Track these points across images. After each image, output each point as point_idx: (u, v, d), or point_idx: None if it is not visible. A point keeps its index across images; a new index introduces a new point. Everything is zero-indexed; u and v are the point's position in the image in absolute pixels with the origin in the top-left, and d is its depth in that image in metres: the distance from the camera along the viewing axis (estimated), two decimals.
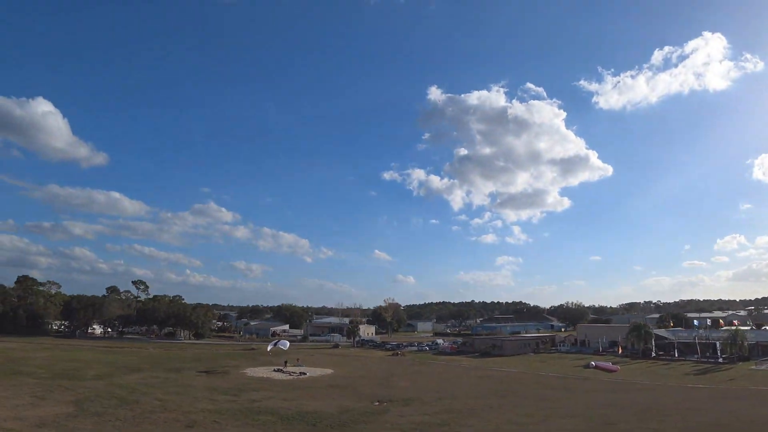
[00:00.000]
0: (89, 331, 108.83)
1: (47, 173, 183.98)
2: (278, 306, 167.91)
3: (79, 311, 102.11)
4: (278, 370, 49.27)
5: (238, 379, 43.62)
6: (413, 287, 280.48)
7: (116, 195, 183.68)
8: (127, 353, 66.44)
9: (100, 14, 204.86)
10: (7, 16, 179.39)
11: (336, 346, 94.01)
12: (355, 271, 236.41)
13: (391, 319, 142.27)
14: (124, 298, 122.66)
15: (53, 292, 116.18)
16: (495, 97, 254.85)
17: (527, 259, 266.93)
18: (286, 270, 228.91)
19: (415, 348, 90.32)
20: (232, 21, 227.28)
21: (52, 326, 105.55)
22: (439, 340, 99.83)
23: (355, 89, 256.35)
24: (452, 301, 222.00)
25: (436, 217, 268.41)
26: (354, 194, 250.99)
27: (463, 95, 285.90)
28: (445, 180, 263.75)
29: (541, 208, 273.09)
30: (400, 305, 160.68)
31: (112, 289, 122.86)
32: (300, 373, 47.94)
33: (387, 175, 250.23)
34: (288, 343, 59.42)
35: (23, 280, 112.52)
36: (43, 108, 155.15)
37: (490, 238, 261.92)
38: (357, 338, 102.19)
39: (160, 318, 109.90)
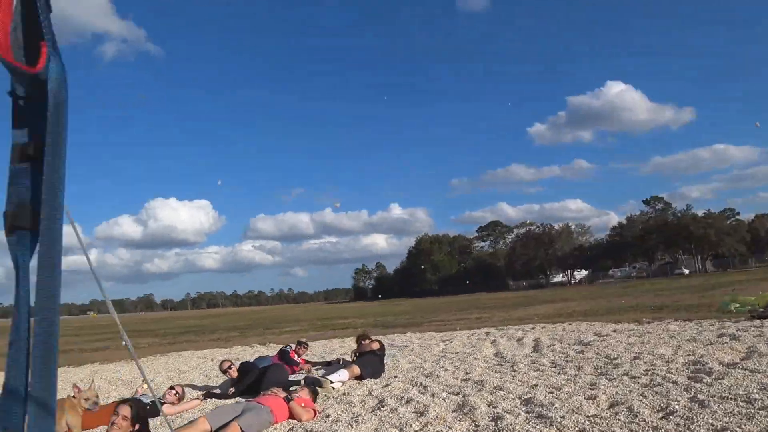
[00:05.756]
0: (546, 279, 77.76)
1: (644, 148, 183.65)
2: None
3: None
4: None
5: None
6: None
7: (720, 147, 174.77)
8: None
9: None
10: None
11: None
12: None
13: None
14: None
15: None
16: None
17: None
18: None
19: None
20: None
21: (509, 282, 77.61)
22: None
23: None
24: None
25: None
26: None
27: None
28: None
29: None
30: None
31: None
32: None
33: None
34: None
35: (491, 225, 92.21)
36: (615, 88, 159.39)
37: None
38: None
39: (629, 241, 70.13)
